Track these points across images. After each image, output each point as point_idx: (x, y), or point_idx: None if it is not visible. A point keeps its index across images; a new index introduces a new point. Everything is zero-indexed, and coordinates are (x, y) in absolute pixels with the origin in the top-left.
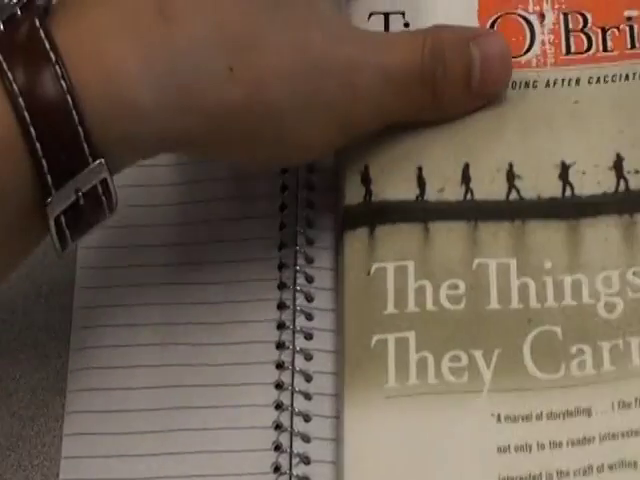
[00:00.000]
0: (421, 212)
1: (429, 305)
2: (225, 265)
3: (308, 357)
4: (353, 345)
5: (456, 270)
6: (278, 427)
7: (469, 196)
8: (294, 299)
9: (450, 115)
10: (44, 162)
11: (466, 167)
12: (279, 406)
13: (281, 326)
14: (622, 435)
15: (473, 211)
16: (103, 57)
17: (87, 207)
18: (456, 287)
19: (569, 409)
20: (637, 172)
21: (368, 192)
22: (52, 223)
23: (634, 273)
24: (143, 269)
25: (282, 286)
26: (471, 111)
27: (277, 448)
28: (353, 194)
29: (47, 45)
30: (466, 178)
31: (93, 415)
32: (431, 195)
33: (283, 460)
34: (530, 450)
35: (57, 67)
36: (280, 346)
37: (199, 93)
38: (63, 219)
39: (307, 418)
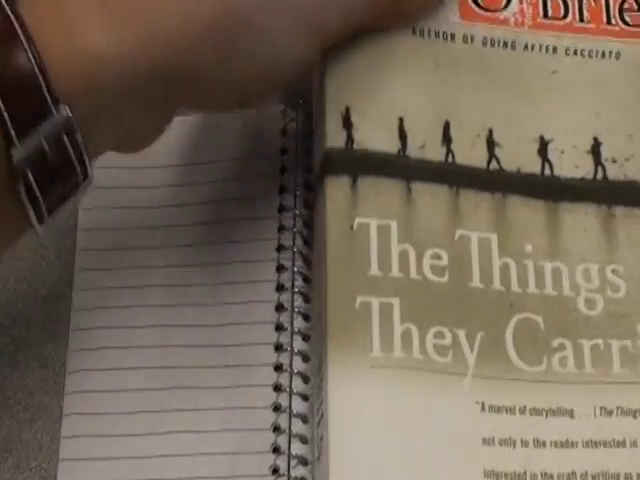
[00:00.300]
0: (403, 169)
1: (413, 273)
2: (224, 266)
3: (306, 359)
4: (336, 304)
5: (439, 239)
6: (276, 429)
7: (450, 158)
8: (292, 301)
9: (411, 21)
10: (5, 112)
11: (447, 125)
12: (277, 408)
13: (279, 328)
14: (604, 444)
15: (454, 175)
16: (61, 7)
17: (55, 162)
18: (439, 257)
19: (552, 407)
20: (614, 161)
21: (350, 138)
22: (20, 179)
23: (613, 271)
24: (141, 271)
25: (280, 288)
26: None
27: (275, 450)
28: (334, 137)
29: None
30: (447, 138)
31: (91, 417)
32: (413, 151)
33: (281, 462)
34: (514, 446)
35: (13, 16)
36: (278, 348)
37: (167, 22)
38: (30, 174)
39: (305, 419)
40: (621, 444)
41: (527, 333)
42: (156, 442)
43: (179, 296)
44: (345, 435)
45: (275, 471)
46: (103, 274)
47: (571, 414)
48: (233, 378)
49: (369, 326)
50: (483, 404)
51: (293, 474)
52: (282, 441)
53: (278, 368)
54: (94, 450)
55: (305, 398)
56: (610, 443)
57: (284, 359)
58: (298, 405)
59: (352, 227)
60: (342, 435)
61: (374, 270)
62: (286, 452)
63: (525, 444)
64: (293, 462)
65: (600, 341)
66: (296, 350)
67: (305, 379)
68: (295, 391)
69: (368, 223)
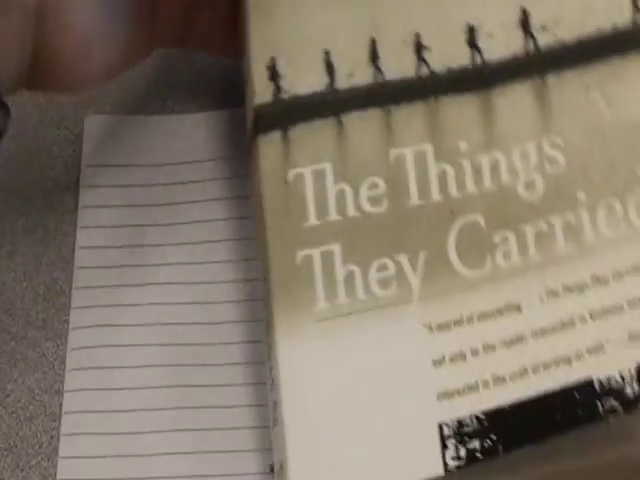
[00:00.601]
0: (333, 103)
1: (351, 211)
2: (224, 265)
3: None
4: (278, 265)
5: (373, 166)
6: None
7: (380, 78)
8: None
9: None
10: None
11: (373, 43)
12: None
13: None
14: (553, 330)
15: (385, 94)
16: None
17: None
18: (375, 186)
19: (498, 306)
20: (544, 28)
21: (277, 89)
22: None
23: (551, 144)
24: (140, 269)
25: None
26: None
27: None
28: (262, 93)
29: None
30: (374, 56)
31: (90, 415)
32: (341, 82)
33: None
34: (465, 358)
35: None
36: None
37: None
38: None
39: None
40: (569, 324)
41: (469, 236)
42: (156, 440)
43: (178, 295)
44: (298, 397)
45: (274, 469)
46: (103, 272)
47: (519, 308)
48: (232, 376)
49: (311, 279)
50: (430, 325)
51: None
52: None
53: None
54: (94, 448)
55: None
56: (559, 326)
57: None
58: None
59: (286, 181)
60: (295, 398)
61: (312, 220)
62: None
63: (475, 353)
64: None
65: (542, 222)
66: None
67: None
68: None
69: (302, 173)
